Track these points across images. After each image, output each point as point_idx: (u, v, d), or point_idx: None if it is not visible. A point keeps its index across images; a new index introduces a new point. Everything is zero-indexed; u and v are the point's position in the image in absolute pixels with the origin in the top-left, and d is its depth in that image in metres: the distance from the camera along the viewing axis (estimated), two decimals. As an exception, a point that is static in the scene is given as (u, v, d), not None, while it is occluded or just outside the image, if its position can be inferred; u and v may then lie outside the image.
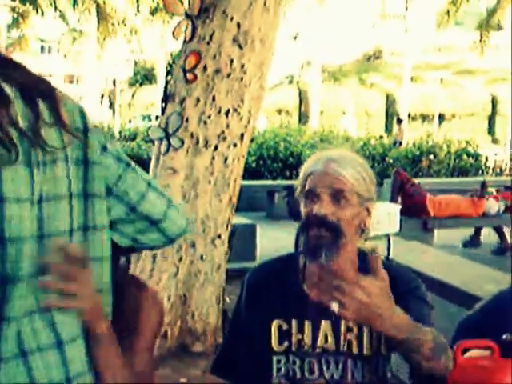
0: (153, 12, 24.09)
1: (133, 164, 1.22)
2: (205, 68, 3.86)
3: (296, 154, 12.32)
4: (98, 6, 23.69)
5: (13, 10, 23.67)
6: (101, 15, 24.30)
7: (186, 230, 1.29)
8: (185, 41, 3.98)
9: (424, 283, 1.65)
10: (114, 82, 34.50)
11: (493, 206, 7.83)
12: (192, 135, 3.88)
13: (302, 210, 1.59)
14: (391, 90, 36.95)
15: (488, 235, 8.15)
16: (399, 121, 20.45)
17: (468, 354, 1.05)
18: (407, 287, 1.58)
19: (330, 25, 34.43)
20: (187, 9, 3.93)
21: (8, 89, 1.03)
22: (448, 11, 22.31)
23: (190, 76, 3.87)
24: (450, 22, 22.95)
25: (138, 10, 23.55)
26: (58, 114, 1.07)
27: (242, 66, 3.88)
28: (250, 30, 3.86)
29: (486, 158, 14.48)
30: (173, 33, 4.07)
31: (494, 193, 8.28)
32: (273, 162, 12.21)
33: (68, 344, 1.07)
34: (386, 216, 4.78)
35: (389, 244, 4.94)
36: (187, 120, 3.88)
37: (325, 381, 1.58)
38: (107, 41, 25.63)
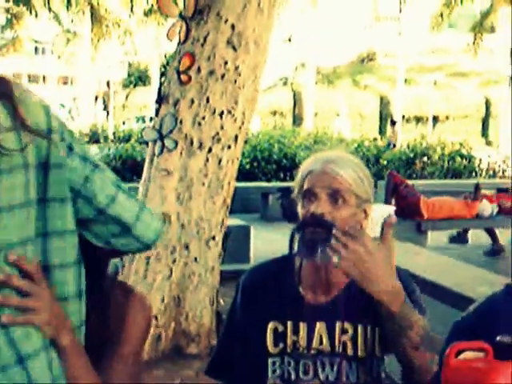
0: (147, 14, 24.10)
1: (101, 165, 1.16)
2: (199, 70, 3.86)
3: (290, 155, 12.32)
4: (91, 7, 23.71)
5: (7, 11, 23.66)
6: (95, 17, 24.32)
7: (161, 233, 1.23)
8: (179, 42, 3.98)
9: (417, 285, 1.66)
10: (108, 83, 34.53)
11: (486, 207, 7.83)
12: (186, 137, 3.88)
13: (300, 210, 1.60)
14: (385, 91, 37.05)
15: (480, 237, 8.17)
16: (393, 123, 20.50)
17: (462, 356, 1.05)
18: (404, 291, 1.58)
19: (324, 27, 34.50)
20: (181, 10, 3.93)
21: None
22: (442, 13, 22.40)
23: (184, 77, 3.87)
24: (443, 24, 23.06)
25: (132, 12, 23.54)
26: (17, 114, 1.01)
27: (236, 68, 3.88)
28: (244, 31, 3.86)
29: (480, 160, 14.52)
30: (167, 34, 4.07)
31: (495, 196, 8.27)
32: (267, 164, 12.20)
33: (30, 359, 1.02)
34: (380, 218, 4.79)
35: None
36: (181, 121, 3.87)
37: (320, 382, 1.58)
38: (101, 42, 25.67)
